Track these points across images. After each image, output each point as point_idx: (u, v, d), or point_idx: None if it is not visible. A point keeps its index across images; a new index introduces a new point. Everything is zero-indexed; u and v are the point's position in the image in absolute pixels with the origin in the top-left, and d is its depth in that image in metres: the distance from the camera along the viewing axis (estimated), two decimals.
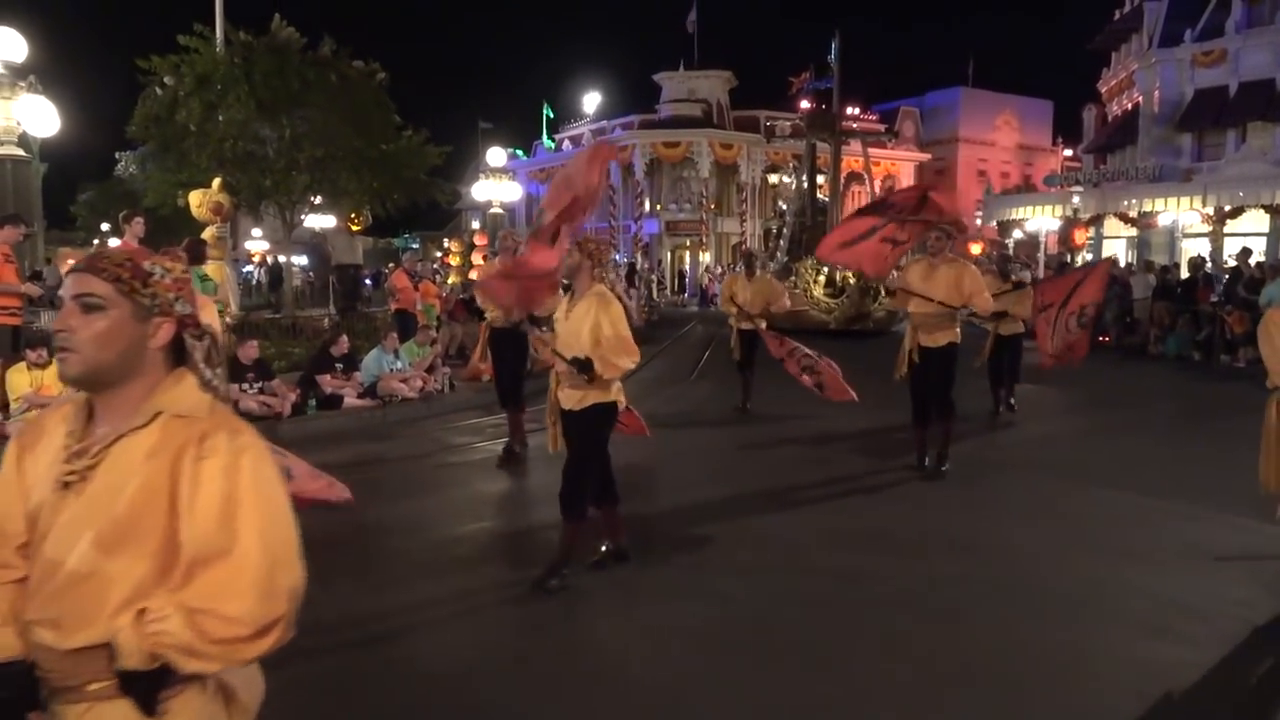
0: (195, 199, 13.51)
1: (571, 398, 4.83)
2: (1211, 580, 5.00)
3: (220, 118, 14.98)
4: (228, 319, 10.87)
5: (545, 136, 53.86)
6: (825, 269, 21.68)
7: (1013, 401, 10.13)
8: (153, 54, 14.99)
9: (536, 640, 4.28)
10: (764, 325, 10.05)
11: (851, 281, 20.30)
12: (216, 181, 13.49)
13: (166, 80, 15.06)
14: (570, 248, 4.78)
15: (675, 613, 4.57)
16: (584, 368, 4.56)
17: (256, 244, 35.95)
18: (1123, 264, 23.56)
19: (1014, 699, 3.69)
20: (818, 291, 21.15)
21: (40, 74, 10.00)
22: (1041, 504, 6.67)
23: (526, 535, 5.95)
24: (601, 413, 4.85)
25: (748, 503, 6.58)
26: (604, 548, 5.21)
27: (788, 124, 42.86)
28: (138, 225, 9.51)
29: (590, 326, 4.59)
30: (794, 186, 27.71)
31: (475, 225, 36.25)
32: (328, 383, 9.79)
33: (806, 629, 4.39)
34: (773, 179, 37.97)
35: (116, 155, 21.85)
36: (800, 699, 3.67)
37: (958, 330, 7.17)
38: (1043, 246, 30.09)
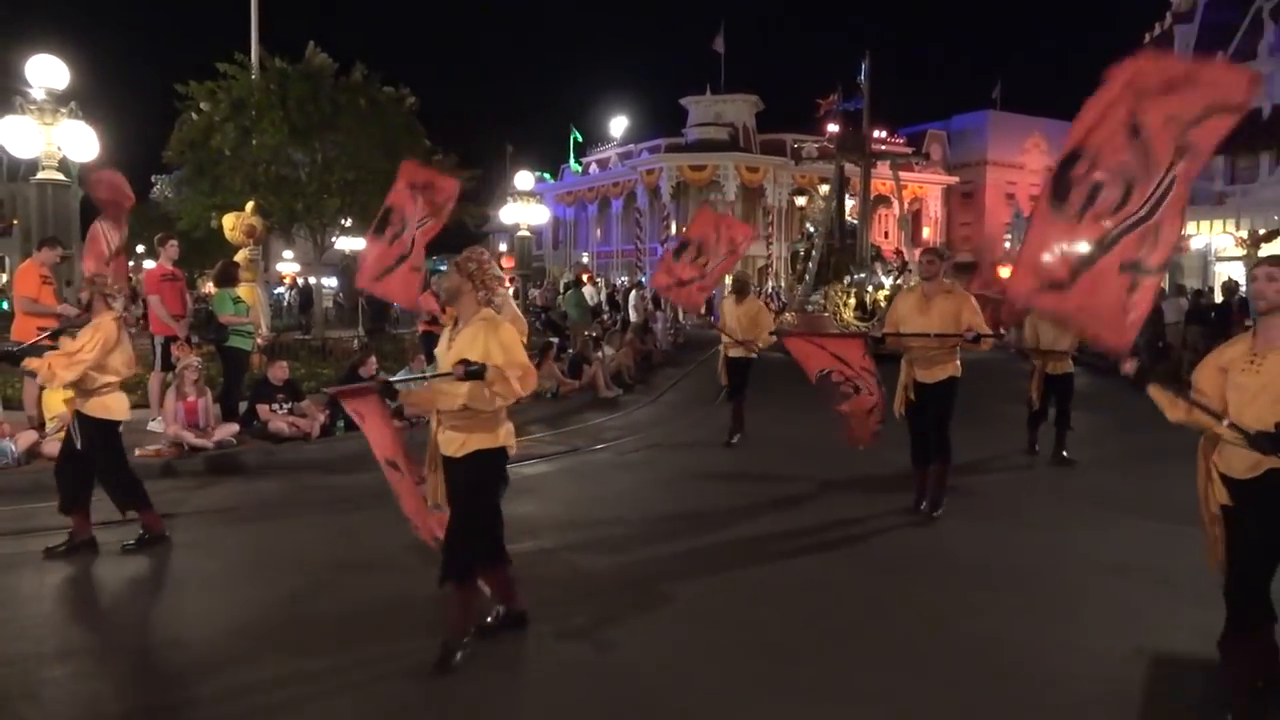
0: (229, 222, 13.74)
1: (453, 441, 4.26)
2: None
3: (254, 142, 15.24)
4: (259, 340, 11.00)
5: (572, 160, 54.28)
6: (854, 291, 21.55)
7: (1065, 453, 9.02)
8: (190, 80, 15.32)
9: (568, 668, 4.26)
10: (754, 353, 9.67)
11: (882, 305, 20.17)
12: (250, 204, 13.72)
13: (203, 106, 15.36)
14: (448, 267, 4.31)
15: (699, 636, 4.54)
16: (474, 374, 3.97)
17: (288, 266, 36.42)
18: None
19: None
20: (848, 315, 20.91)
21: (80, 100, 10.23)
22: (1070, 530, 6.58)
23: (554, 556, 5.94)
24: (486, 460, 4.28)
25: (757, 531, 6.54)
26: (495, 612, 4.59)
27: (815, 146, 42.94)
28: (172, 248, 9.69)
29: (479, 355, 4.04)
30: (821, 208, 27.62)
31: (503, 248, 36.49)
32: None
33: (825, 651, 4.35)
34: (799, 201, 37.95)
35: (152, 179, 22.25)
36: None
37: (958, 363, 6.66)
38: None
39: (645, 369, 16.33)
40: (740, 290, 9.94)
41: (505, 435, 4.34)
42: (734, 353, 9.68)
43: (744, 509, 7.05)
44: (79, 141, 10.08)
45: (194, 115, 15.52)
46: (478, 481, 4.28)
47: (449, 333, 4.33)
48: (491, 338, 4.09)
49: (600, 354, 14.46)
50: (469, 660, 4.21)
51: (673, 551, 6.14)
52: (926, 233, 49.83)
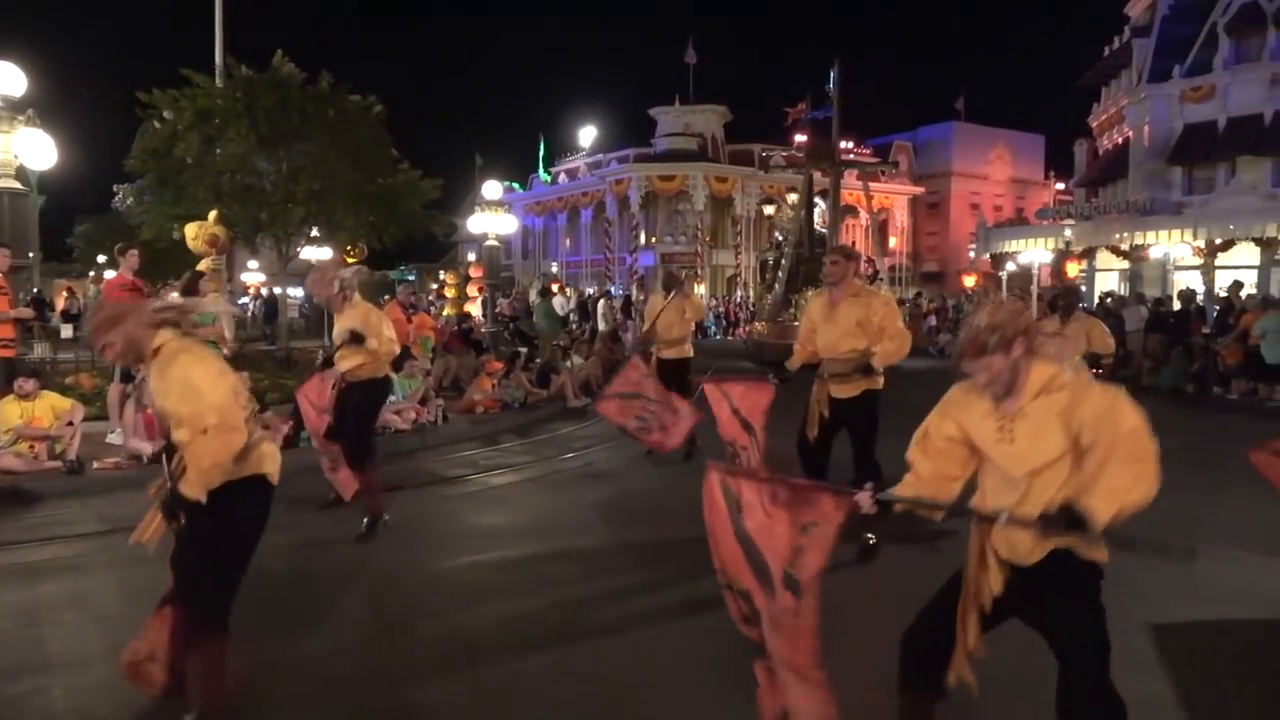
0: (191, 231, 13.56)
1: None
2: (1211, 613, 4.97)
3: (219, 151, 15.07)
4: (225, 351, 10.86)
5: (541, 170, 54.28)
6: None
7: None
8: (153, 88, 15.11)
9: (534, 680, 4.24)
10: (690, 351, 9.42)
11: None
12: (213, 214, 13.55)
13: (166, 114, 15.17)
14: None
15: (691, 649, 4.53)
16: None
17: (252, 276, 36.02)
18: (1116, 296, 23.69)
19: None
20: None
21: (38, 107, 10.08)
22: None
23: (520, 568, 5.90)
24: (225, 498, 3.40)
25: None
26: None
27: (783, 155, 43.28)
28: (133, 258, 9.54)
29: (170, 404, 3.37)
30: (791, 217, 27.77)
31: (471, 258, 36.36)
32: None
33: None
34: (768, 210, 38.23)
35: (114, 188, 21.95)
36: None
37: (877, 376, 5.89)
38: (1036, 279, 30.23)
39: (614, 378, 16.30)
40: (668, 287, 9.59)
41: (264, 461, 3.57)
42: (667, 354, 9.34)
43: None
44: (37, 149, 9.92)
45: (157, 124, 15.32)
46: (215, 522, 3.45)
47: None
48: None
49: (569, 363, 14.44)
50: (431, 669, 4.17)
51: (641, 561, 6.12)
52: (893, 242, 50.40)
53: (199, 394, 3.31)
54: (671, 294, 9.42)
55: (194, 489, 3.33)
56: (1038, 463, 2.81)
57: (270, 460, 3.60)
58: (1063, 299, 8.32)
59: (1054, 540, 2.79)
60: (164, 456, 3.51)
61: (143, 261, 9.97)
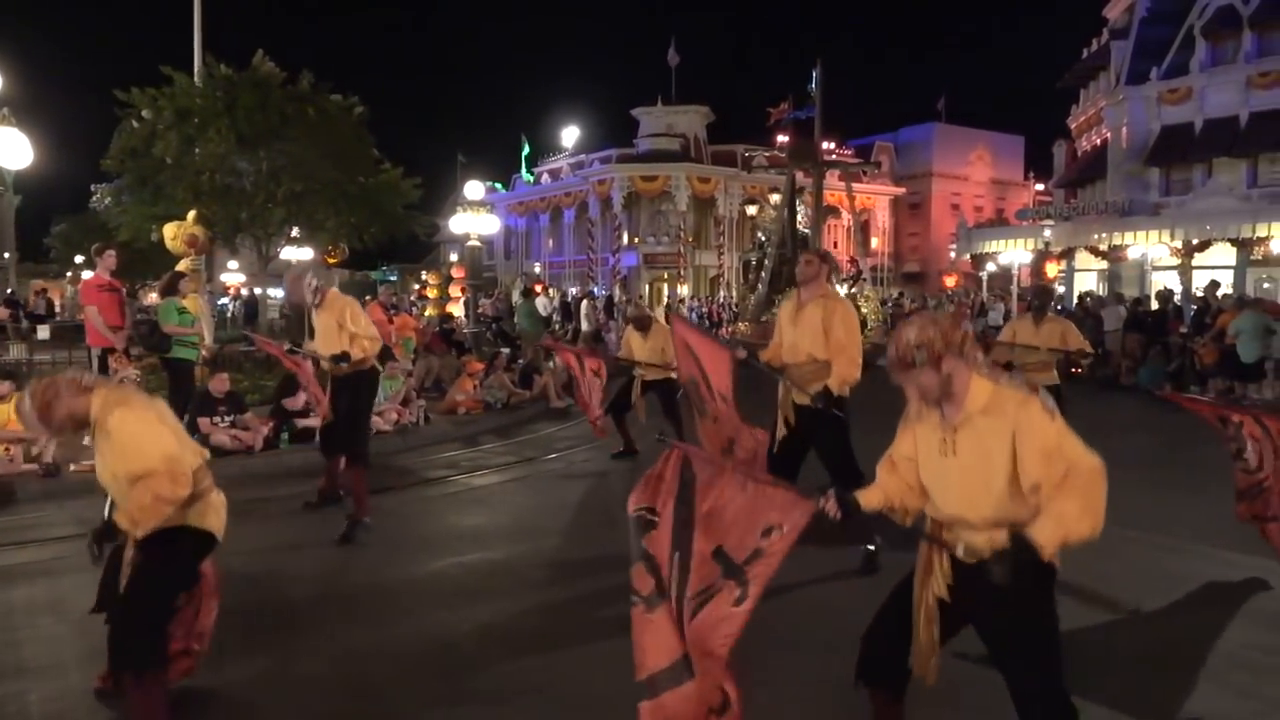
0: (170, 232, 13.45)
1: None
2: (1187, 611, 5.02)
3: (198, 151, 14.97)
4: (204, 352, 10.79)
5: (524, 170, 54.19)
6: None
7: None
8: (131, 87, 15.00)
9: (516, 683, 4.23)
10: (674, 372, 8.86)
11: None
12: (191, 214, 13.45)
13: (144, 113, 15.05)
14: None
15: None
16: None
17: (232, 276, 35.80)
18: (1094, 297, 23.91)
19: None
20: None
21: (14, 106, 9.98)
22: None
23: (503, 569, 5.89)
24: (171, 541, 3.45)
25: None
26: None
27: (765, 155, 43.40)
28: (110, 258, 9.46)
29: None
30: (773, 217, 27.82)
31: (453, 258, 36.25)
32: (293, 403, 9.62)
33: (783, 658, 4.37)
34: (751, 210, 38.34)
35: (92, 188, 21.74)
36: None
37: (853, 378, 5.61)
38: (1015, 279, 30.47)
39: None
40: (642, 325, 9.46)
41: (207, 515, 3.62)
42: (652, 376, 9.24)
43: None
44: (13, 148, 9.82)
45: (135, 123, 15.21)
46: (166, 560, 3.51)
47: None
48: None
49: (551, 364, 14.42)
50: (412, 672, 4.16)
51: (624, 563, 6.11)
52: (875, 243, 50.59)
53: (140, 450, 3.34)
54: (648, 332, 9.32)
55: (126, 523, 3.34)
56: (976, 481, 2.77)
57: (215, 514, 3.64)
58: (1037, 299, 8.25)
59: (1003, 539, 2.75)
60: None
61: (120, 262, 9.89)
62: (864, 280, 24.23)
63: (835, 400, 5.44)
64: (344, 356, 6.39)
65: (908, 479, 3.01)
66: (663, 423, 8.99)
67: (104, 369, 9.12)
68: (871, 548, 5.70)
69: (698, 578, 2.90)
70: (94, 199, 22.03)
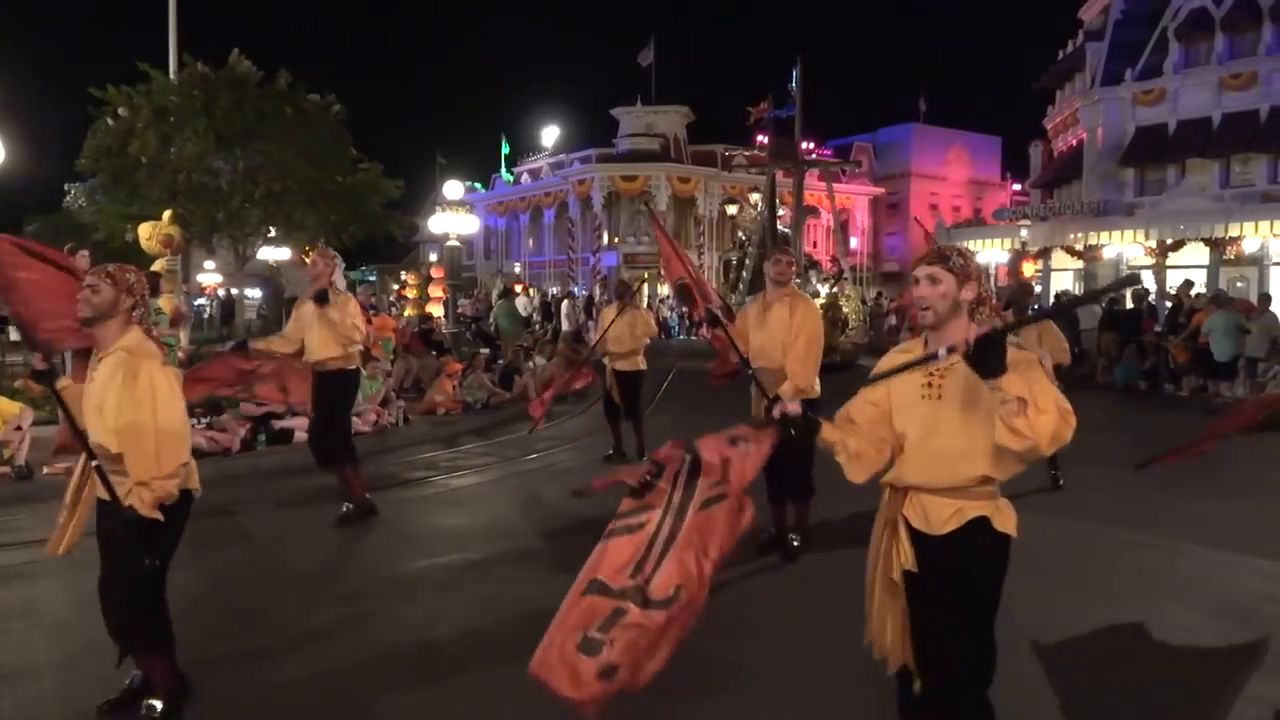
0: (145, 231, 13.32)
1: (125, 486, 3.35)
2: (1157, 606, 5.09)
3: (174, 150, 14.84)
4: (180, 353, 10.70)
5: (503, 170, 54.04)
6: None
7: (1058, 474, 7.92)
8: (106, 85, 14.85)
9: (496, 685, 4.22)
10: (642, 366, 9.16)
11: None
12: (167, 214, 13.32)
13: (121, 111, 14.91)
14: (95, 279, 3.42)
15: None
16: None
17: (209, 277, 35.46)
18: (1070, 296, 24.14)
19: None
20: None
21: None
22: None
23: (483, 569, 5.88)
24: (137, 524, 3.30)
25: None
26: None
27: (745, 155, 43.49)
28: (83, 259, 9.35)
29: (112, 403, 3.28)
30: (753, 217, 27.84)
31: (433, 258, 36.10)
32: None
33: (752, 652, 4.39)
34: (731, 209, 38.36)
35: (66, 187, 21.50)
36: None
37: (814, 383, 5.68)
38: (993, 279, 30.69)
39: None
40: (622, 293, 9.41)
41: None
42: (620, 365, 9.09)
43: None
44: None
45: (110, 121, 15.06)
46: (132, 544, 3.37)
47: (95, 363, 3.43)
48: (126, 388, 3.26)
49: (531, 364, 14.40)
50: (392, 674, 4.15)
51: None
52: (855, 242, 50.81)
53: (156, 408, 3.28)
54: (623, 303, 9.17)
55: (148, 506, 3.28)
56: (959, 428, 2.67)
57: (193, 476, 3.63)
58: (1015, 299, 8.04)
59: (970, 510, 2.70)
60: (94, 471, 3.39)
61: (95, 262, 9.78)
62: (846, 280, 24.24)
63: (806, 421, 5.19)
64: (323, 296, 6.56)
65: (869, 435, 2.88)
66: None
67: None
68: (796, 540, 5.88)
69: (706, 482, 2.85)
70: (68, 198, 21.80)
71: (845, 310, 20.56)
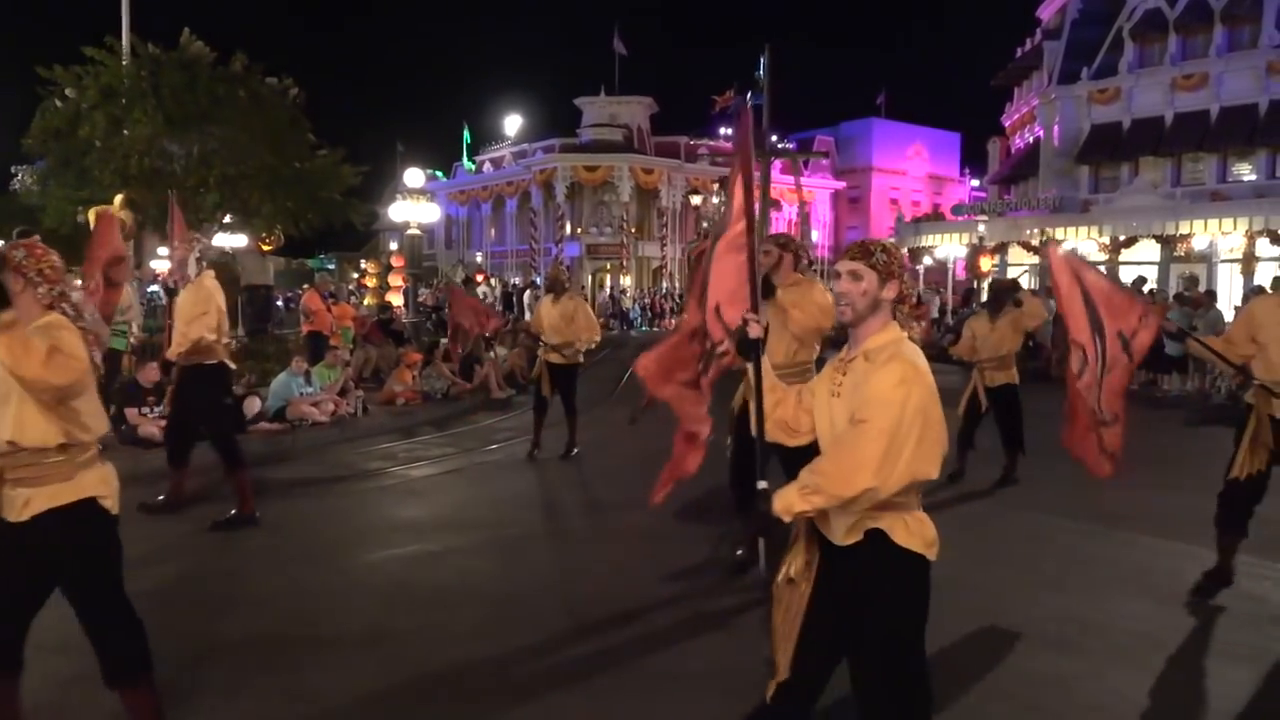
0: (96, 216, 13.03)
1: (14, 502, 2.93)
2: (1106, 595, 5.20)
3: (126, 133, 14.48)
4: (132, 340, 10.49)
5: (465, 158, 53.61)
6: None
7: (1013, 471, 7.89)
8: (54, 65, 14.44)
9: (451, 674, 4.20)
10: (578, 359, 8.74)
11: None
12: (119, 198, 13.03)
13: (68, 92, 14.51)
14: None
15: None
16: None
17: (162, 263, 34.81)
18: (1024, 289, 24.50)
19: None
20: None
21: None
22: (946, 522, 6.82)
23: (440, 560, 5.84)
24: (62, 523, 2.94)
25: (652, 530, 6.58)
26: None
27: (709, 145, 43.47)
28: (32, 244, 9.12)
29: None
30: (718, 208, 27.76)
31: (393, 246, 35.73)
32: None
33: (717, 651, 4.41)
34: (695, 200, 38.36)
35: (12, 169, 20.91)
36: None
37: (813, 368, 5.18)
38: (951, 273, 31.09)
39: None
40: (555, 288, 8.93)
41: (97, 483, 3.05)
42: (553, 359, 8.68)
43: (638, 507, 7.06)
44: None
45: (59, 102, 14.65)
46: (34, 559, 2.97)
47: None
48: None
49: (492, 354, 14.31)
50: (347, 666, 4.11)
51: (563, 553, 6.13)
52: (815, 235, 51.14)
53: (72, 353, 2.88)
54: (560, 296, 8.74)
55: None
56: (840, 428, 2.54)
57: (104, 483, 3.09)
58: (993, 296, 8.11)
59: (868, 521, 2.47)
60: None
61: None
62: (814, 271, 24.01)
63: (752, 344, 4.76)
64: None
65: (805, 420, 2.76)
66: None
67: None
68: (741, 552, 5.50)
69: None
70: (15, 181, 21.19)
71: None
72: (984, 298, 26.15)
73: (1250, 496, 4.87)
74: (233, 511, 6.40)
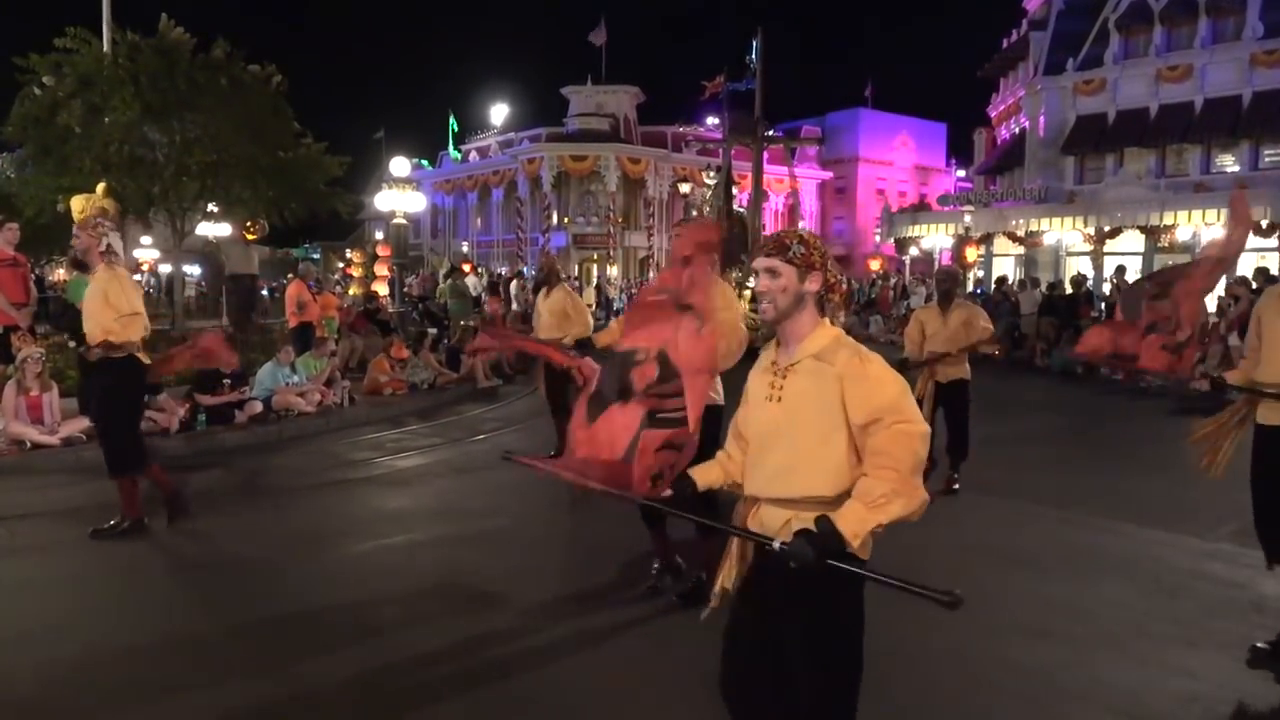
0: (78, 204, 12.83)
1: None
2: (1090, 583, 5.23)
3: (106, 120, 14.34)
4: None
5: (451, 147, 53.34)
6: (750, 284, 21.36)
7: (956, 476, 7.30)
8: (31, 52, 14.28)
9: (438, 665, 4.19)
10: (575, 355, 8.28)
11: None
12: (101, 186, 12.86)
13: (46, 80, 14.36)
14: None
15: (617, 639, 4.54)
16: None
17: (146, 253, 34.50)
18: (1010, 281, 24.63)
19: (901, 704, 3.78)
20: (744, 307, 20.54)
21: None
22: (929, 511, 6.84)
23: (428, 551, 5.83)
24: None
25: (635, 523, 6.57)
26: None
27: (698, 130, 43.26)
28: (10, 232, 9.08)
29: None
30: (706, 197, 27.48)
31: (379, 236, 35.54)
32: (207, 400, 9.40)
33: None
34: (684, 188, 38.21)
35: None
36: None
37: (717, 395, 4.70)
38: (936, 263, 31.15)
39: (525, 359, 16.19)
40: (547, 281, 8.44)
41: None
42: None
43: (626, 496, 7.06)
44: None
45: (37, 90, 14.49)
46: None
47: None
48: None
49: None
50: (332, 656, 4.10)
51: (550, 544, 6.12)
52: (802, 225, 51.23)
53: None
54: (549, 287, 8.32)
55: None
56: (795, 433, 2.43)
57: None
58: (942, 283, 7.47)
59: (800, 524, 2.36)
60: None
61: (23, 236, 9.46)
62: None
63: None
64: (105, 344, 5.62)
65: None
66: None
67: (5, 347, 8.74)
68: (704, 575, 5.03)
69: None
70: None
71: None
72: (969, 288, 26.08)
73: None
74: (111, 522, 5.91)
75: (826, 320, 2.51)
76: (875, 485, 2.28)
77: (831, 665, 2.47)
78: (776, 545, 2.30)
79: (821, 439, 2.40)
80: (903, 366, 6.90)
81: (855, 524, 2.27)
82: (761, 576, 2.53)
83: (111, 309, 5.65)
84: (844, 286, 2.58)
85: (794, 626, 2.45)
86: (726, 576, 2.65)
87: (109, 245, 5.90)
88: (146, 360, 5.98)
